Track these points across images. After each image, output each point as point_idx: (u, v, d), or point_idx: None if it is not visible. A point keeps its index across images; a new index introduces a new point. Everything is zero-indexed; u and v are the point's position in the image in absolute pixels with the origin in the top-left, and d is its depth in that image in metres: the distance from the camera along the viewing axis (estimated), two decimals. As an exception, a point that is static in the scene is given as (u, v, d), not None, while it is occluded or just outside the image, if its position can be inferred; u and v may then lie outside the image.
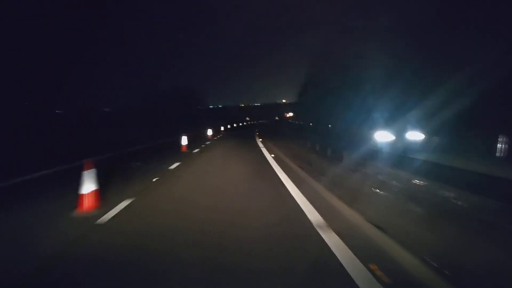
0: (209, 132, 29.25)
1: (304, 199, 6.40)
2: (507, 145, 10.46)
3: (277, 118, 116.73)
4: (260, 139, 25.44)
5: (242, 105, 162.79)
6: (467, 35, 14.22)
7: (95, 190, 5.89)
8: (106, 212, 5.59)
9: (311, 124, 39.98)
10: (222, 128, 41.94)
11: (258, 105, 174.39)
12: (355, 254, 3.75)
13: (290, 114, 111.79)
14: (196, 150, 16.72)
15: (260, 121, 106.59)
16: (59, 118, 30.56)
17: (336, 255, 3.73)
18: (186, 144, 17.26)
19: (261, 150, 16.68)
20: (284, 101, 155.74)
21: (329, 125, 30.82)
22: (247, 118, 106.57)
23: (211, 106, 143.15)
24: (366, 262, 3.52)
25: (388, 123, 15.03)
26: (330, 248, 3.92)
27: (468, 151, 11.10)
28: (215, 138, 28.53)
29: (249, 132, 39.47)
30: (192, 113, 53.50)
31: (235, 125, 61.32)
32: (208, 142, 22.79)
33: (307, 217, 5.19)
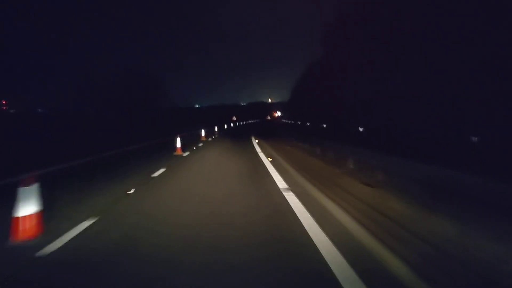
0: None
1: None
2: None
3: (268, 117, 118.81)
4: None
5: (228, 104, 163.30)
6: None
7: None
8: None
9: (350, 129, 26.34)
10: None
11: (244, 105, 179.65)
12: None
13: (279, 113, 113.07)
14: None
15: (250, 121, 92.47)
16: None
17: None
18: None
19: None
20: (270, 100, 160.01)
21: (360, 128, 22.93)
22: (234, 118, 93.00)
23: (197, 106, 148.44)
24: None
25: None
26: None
27: None
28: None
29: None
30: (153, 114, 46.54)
31: (216, 128, 39.47)
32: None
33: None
